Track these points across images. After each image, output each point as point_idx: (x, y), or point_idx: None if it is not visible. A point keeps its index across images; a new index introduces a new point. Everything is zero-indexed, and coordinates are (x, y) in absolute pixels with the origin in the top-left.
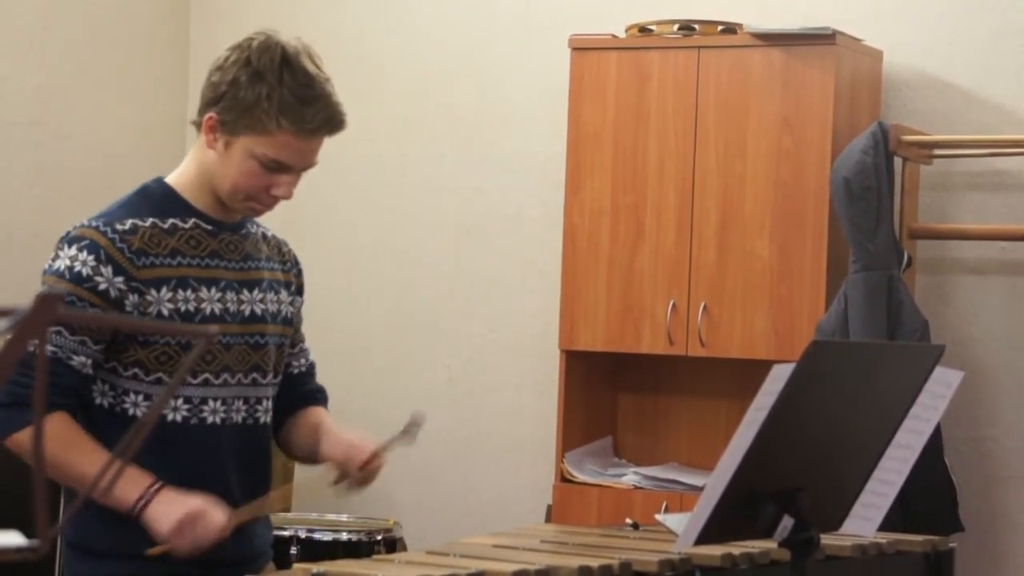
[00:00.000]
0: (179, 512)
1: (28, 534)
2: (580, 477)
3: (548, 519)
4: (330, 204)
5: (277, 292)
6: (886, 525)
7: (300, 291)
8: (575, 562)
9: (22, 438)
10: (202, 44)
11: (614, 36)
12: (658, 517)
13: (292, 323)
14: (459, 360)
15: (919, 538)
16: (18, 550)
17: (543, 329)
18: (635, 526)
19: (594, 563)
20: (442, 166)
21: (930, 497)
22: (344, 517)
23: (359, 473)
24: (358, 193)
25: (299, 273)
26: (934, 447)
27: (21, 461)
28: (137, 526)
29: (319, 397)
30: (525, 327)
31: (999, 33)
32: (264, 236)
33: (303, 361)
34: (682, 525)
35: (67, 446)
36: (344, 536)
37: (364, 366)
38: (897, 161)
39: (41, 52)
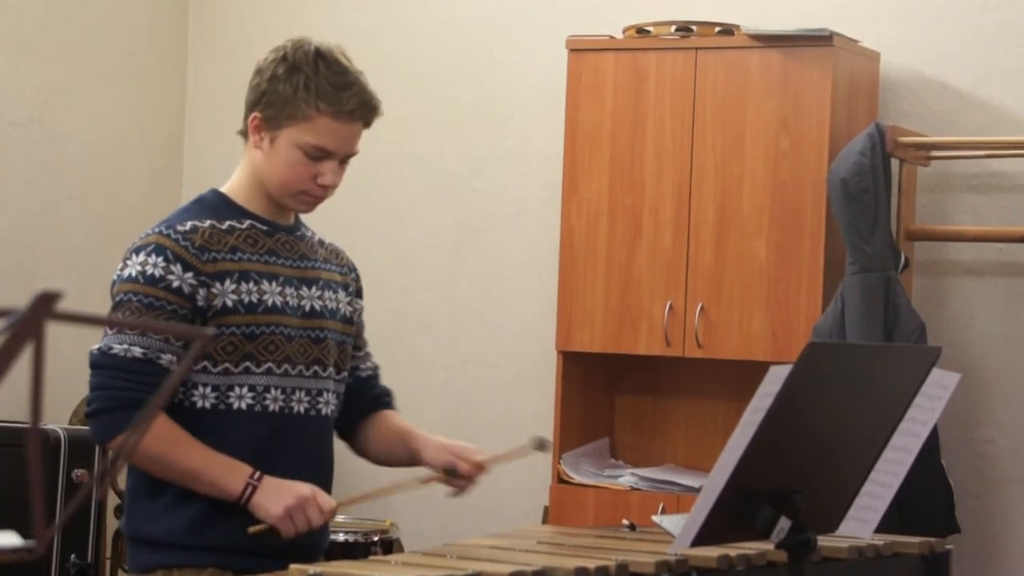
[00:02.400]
0: (289, 498)
1: (25, 534)
2: (577, 478)
3: (545, 520)
4: (328, 204)
5: (335, 291)
6: (883, 527)
7: (359, 294)
8: (571, 563)
9: None
10: (200, 43)
11: (612, 37)
12: (655, 518)
13: (353, 323)
14: (456, 361)
15: (916, 540)
16: (14, 551)
17: (540, 330)
18: (632, 527)
19: (591, 564)
20: (440, 166)
21: (927, 499)
22: (341, 518)
23: (468, 479)
24: (356, 193)
25: (357, 278)
26: (931, 449)
27: (17, 462)
28: (184, 517)
29: (388, 400)
30: (522, 328)
31: (997, 34)
32: (321, 242)
33: (369, 364)
34: (679, 526)
35: (172, 442)
36: (341, 537)
37: None
38: (894, 162)
39: (40, 51)
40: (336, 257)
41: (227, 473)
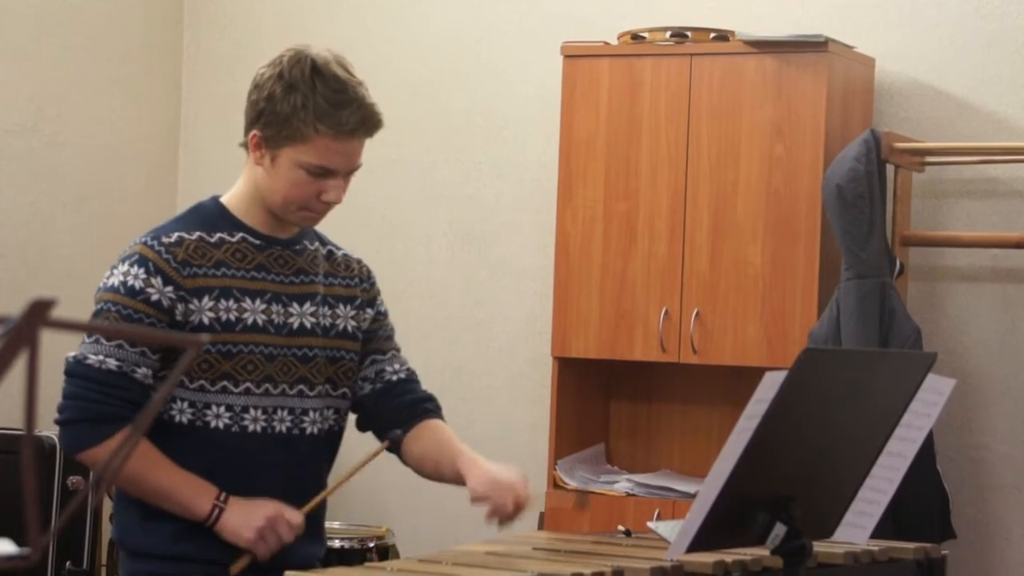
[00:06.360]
0: (258, 519)
1: (20, 542)
2: (572, 484)
3: (540, 526)
4: None
5: (334, 307)
6: (878, 533)
7: (370, 304)
8: (567, 569)
9: (97, 453)
10: (195, 51)
11: (606, 43)
12: (650, 524)
13: (355, 337)
14: (451, 367)
15: (911, 545)
16: (9, 558)
17: (536, 336)
18: (627, 533)
19: (586, 570)
20: (435, 173)
21: (922, 504)
22: (336, 524)
23: (512, 511)
24: (351, 199)
25: (370, 287)
26: (926, 455)
27: (12, 469)
28: (169, 527)
29: (431, 407)
30: (518, 334)
31: (991, 41)
32: (330, 255)
33: (397, 367)
34: (674, 532)
35: (142, 461)
36: (336, 543)
37: None
38: (889, 168)
39: (35, 59)
40: (345, 269)
41: (194, 495)
